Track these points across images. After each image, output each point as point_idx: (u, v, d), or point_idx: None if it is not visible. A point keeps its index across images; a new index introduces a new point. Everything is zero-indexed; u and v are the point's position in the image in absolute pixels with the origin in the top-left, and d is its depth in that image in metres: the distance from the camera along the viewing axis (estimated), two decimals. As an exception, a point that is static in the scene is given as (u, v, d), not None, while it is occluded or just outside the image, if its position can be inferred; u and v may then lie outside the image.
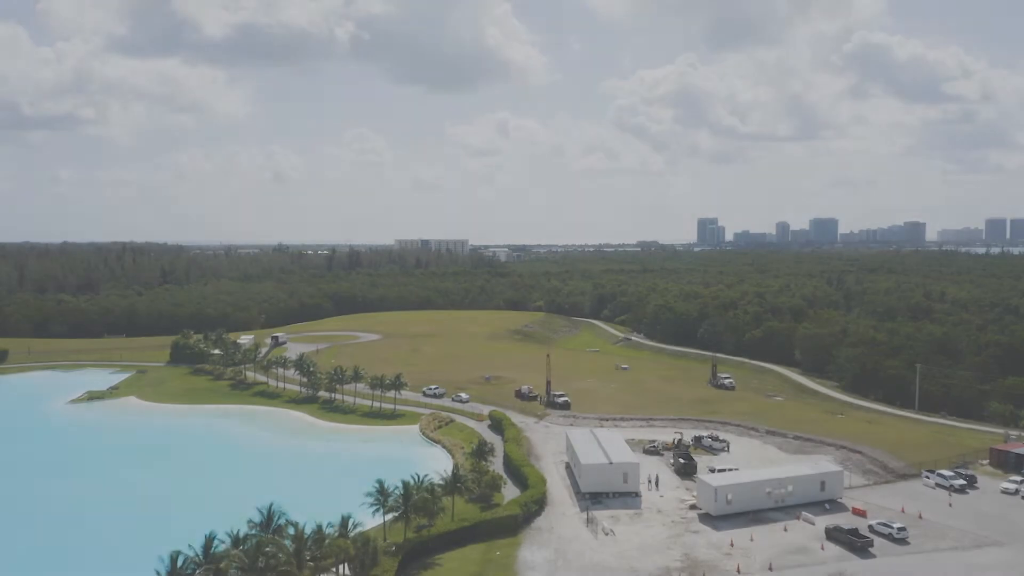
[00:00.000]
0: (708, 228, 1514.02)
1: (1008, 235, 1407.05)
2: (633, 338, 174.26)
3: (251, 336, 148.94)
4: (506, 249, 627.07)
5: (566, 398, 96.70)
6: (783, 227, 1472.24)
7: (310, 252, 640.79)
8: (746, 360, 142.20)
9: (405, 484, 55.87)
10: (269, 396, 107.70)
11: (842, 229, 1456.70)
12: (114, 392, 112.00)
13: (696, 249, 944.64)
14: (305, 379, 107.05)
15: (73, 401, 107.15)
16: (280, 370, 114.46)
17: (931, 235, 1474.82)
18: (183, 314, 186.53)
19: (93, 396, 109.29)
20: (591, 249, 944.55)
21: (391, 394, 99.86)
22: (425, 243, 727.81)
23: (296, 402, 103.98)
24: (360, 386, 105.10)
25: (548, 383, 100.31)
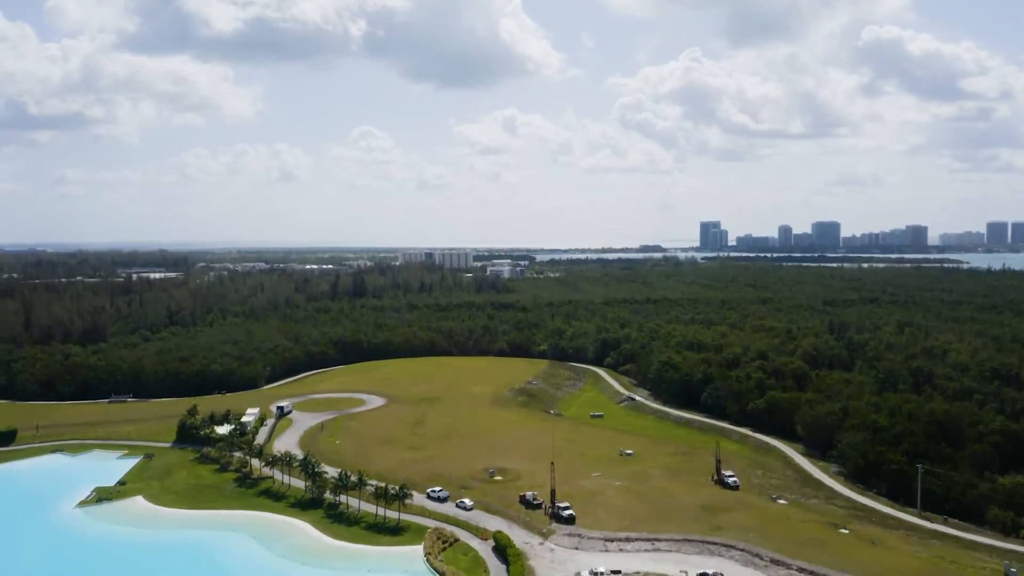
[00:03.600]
0: (711, 232, 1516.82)
1: (1009, 239, 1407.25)
2: (637, 398, 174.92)
3: (256, 409, 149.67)
4: (508, 264, 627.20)
5: (571, 511, 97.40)
6: (785, 231, 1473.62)
7: (315, 269, 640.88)
8: (749, 433, 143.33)
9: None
10: (275, 497, 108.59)
11: (844, 233, 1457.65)
12: (121, 490, 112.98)
13: (700, 259, 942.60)
14: (310, 481, 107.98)
15: (82, 504, 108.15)
16: (286, 466, 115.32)
17: (933, 238, 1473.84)
18: (189, 372, 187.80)
19: (101, 496, 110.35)
20: (594, 257, 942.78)
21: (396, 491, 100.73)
22: (429, 255, 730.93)
23: (301, 506, 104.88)
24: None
25: (552, 492, 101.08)
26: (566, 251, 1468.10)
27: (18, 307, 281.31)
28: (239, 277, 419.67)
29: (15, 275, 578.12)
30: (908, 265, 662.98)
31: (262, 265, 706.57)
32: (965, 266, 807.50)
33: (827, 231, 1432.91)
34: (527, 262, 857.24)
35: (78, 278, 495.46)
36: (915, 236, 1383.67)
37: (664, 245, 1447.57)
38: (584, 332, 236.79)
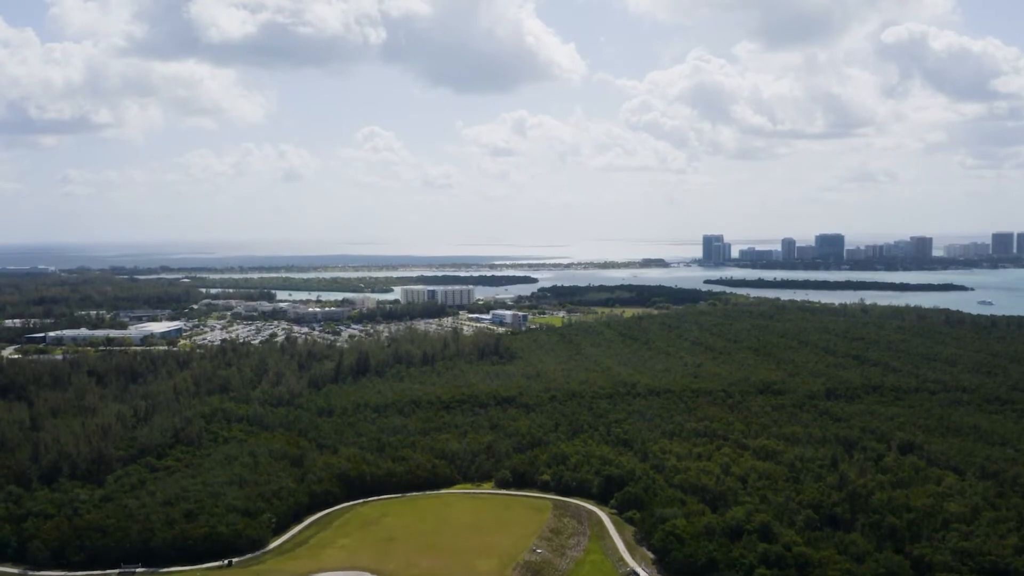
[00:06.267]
0: (714, 245, 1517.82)
1: (1015, 249, 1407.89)
2: (640, 573, 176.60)
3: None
4: (511, 312, 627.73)
5: None
6: (788, 244, 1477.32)
7: (318, 314, 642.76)
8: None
9: None
10: None
11: (848, 244, 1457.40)
12: None
13: (703, 284, 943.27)
14: None
15: None
16: None
17: (937, 248, 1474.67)
18: (197, 535, 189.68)
19: None
20: (596, 282, 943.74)
21: None
22: (432, 294, 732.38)
23: None
24: None
25: None
26: (568, 265, 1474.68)
27: (24, 417, 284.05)
28: (241, 350, 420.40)
29: (16, 323, 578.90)
30: (911, 302, 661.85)
31: (264, 305, 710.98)
32: (968, 296, 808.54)
33: (831, 243, 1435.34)
34: (530, 293, 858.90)
35: (83, 343, 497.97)
36: (919, 248, 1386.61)
37: (667, 259, 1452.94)
38: (588, 460, 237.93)
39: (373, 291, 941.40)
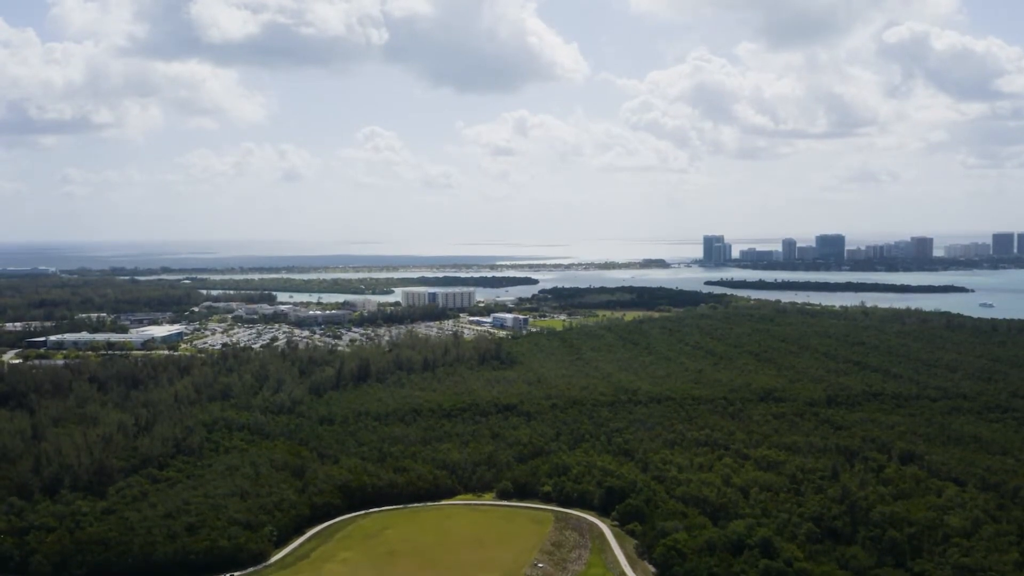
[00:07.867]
0: (714, 246, 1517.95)
1: (1016, 250, 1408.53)
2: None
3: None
4: (512, 316, 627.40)
5: None
6: (789, 244, 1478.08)
7: (318, 316, 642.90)
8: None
9: None
10: None
11: (849, 245, 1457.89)
12: None
13: (704, 285, 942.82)
14: None
15: None
16: None
17: (938, 248, 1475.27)
18: (199, 549, 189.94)
19: None
20: (597, 284, 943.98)
21: None
22: (432, 297, 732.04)
23: None
24: None
25: None
26: (569, 266, 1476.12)
27: (26, 426, 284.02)
28: (242, 355, 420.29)
29: (17, 326, 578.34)
30: (912, 304, 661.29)
31: (265, 308, 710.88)
32: (968, 298, 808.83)
33: (831, 243, 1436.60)
34: (530, 295, 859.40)
35: (84, 348, 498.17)
36: (919, 248, 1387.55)
37: (667, 259, 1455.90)
38: (589, 470, 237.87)
39: (374, 292, 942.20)
